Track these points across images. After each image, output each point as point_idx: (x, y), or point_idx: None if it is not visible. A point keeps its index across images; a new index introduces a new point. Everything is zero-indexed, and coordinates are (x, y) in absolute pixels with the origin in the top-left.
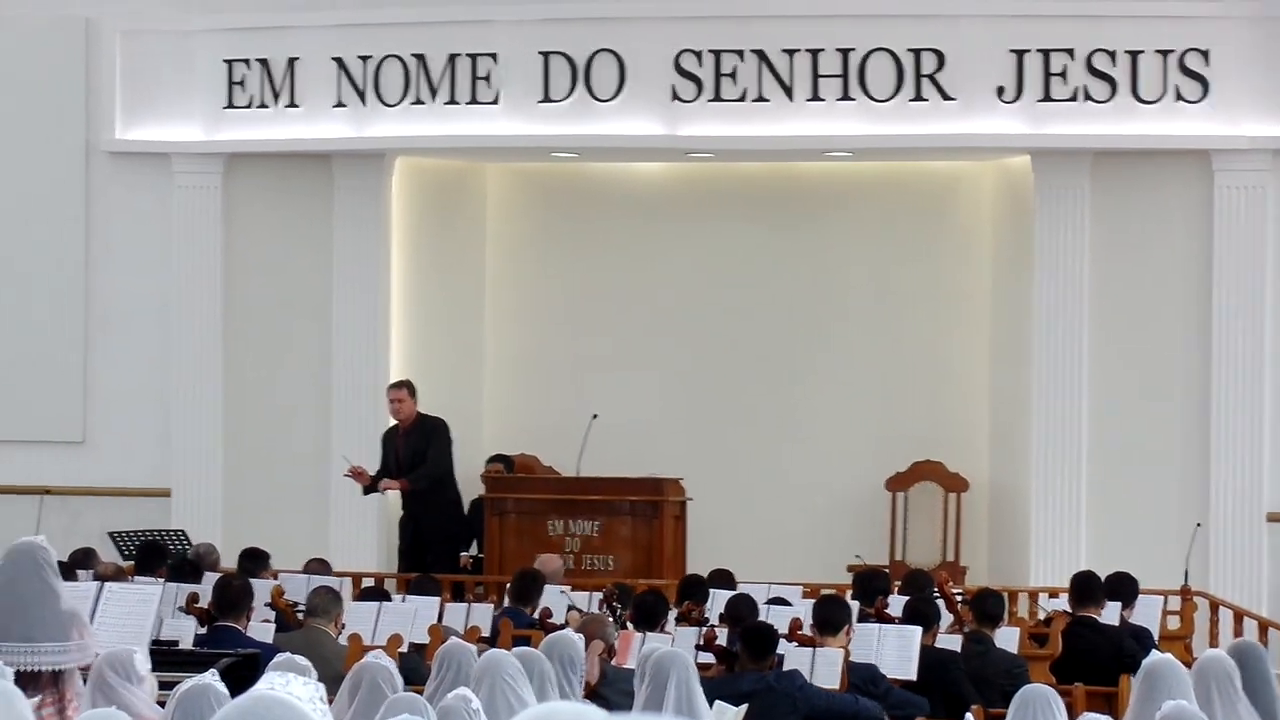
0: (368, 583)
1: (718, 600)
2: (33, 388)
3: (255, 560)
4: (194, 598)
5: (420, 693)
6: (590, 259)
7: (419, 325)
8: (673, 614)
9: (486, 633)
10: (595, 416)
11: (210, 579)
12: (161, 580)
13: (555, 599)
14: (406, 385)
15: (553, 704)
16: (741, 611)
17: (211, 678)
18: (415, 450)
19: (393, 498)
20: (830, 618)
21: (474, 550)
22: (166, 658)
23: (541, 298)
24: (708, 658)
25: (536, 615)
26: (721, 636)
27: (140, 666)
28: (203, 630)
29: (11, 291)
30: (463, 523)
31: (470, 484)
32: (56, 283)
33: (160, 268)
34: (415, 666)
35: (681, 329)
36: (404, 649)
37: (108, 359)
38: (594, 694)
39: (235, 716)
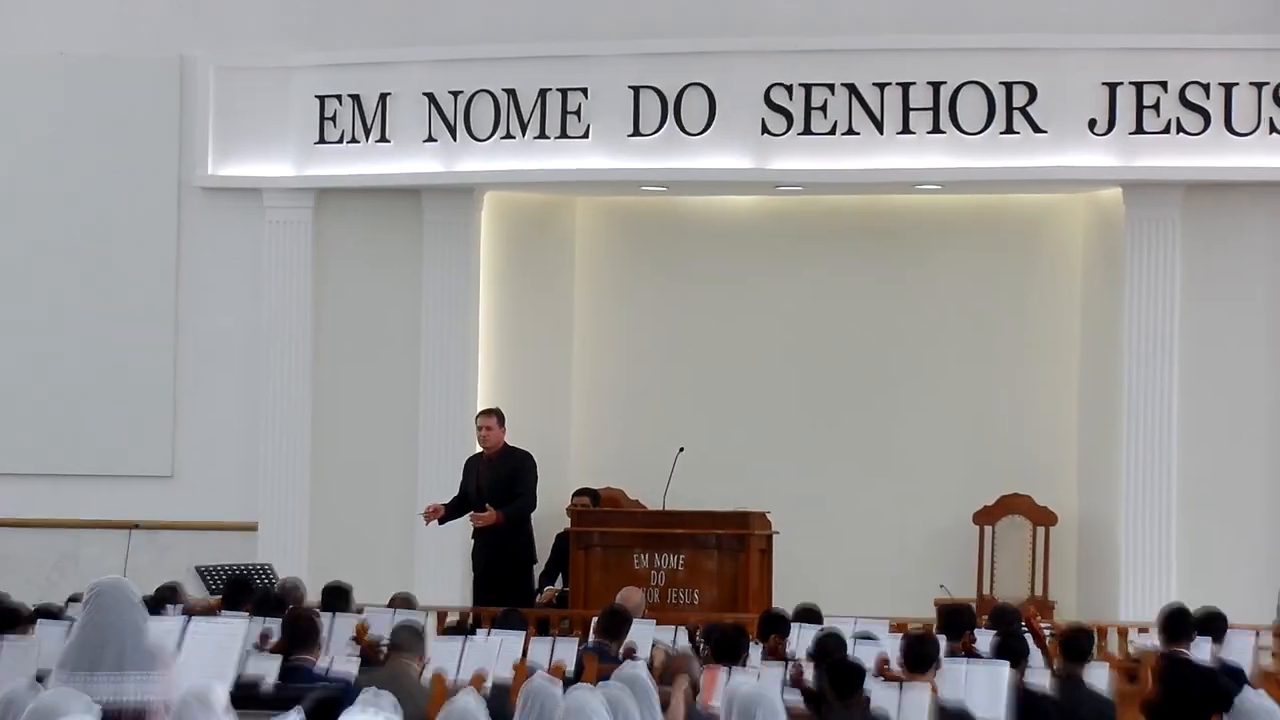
0: (452, 618)
1: (804, 636)
2: (123, 422)
3: (338, 595)
4: (266, 635)
5: None
6: (678, 292)
7: (507, 359)
8: (757, 649)
9: (571, 669)
10: (681, 450)
11: None
12: (247, 615)
13: (641, 635)
14: (496, 413)
15: None
16: (830, 648)
17: (296, 716)
18: (499, 479)
19: (463, 526)
20: (920, 654)
21: (559, 584)
22: (249, 694)
23: (629, 331)
24: (794, 695)
25: (621, 652)
26: (808, 672)
27: (218, 700)
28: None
29: (103, 326)
30: (532, 556)
31: (556, 517)
32: (148, 317)
33: (251, 302)
34: (500, 704)
35: (769, 362)
36: (488, 685)
37: (197, 393)
38: None
39: None
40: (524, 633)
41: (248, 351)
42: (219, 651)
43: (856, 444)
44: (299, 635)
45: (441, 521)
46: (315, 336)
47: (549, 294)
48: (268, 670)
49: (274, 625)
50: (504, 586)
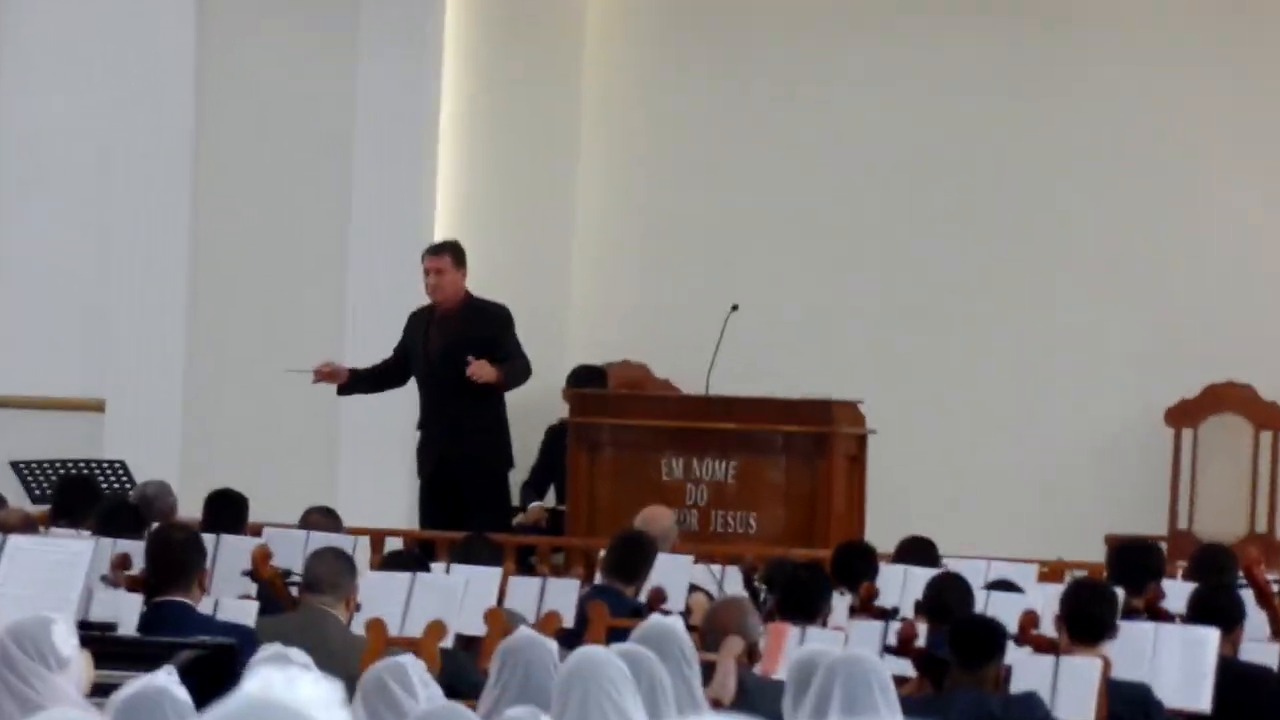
0: (394, 544)
1: (911, 582)
2: None
3: (226, 509)
4: (123, 561)
5: (474, 708)
6: (731, 80)
7: (480, 174)
8: (844, 601)
9: (569, 621)
10: (735, 308)
11: None
12: (91, 534)
13: (672, 575)
14: (450, 250)
15: None
16: (948, 599)
17: (167, 678)
18: (464, 342)
19: (406, 406)
20: (1087, 614)
21: (550, 500)
22: (101, 648)
23: (659, 137)
24: (902, 665)
25: (643, 598)
26: (922, 635)
27: (62, 643)
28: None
29: None
30: (508, 456)
31: (548, 404)
32: None
33: (100, 78)
34: (463, 668)
35: (861, 185)
36: (448, 643)
37: (19, 216)
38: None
39: None
40: (499, 568)
41: (96, 158)
42: (51, 584)
43: (990, 306)
44: (170, 565)
45: (344, 390)
46: (198, 139)
47: (544, 83)
48: (124, 611)
49: (134, 549)
50: (468, 499)
